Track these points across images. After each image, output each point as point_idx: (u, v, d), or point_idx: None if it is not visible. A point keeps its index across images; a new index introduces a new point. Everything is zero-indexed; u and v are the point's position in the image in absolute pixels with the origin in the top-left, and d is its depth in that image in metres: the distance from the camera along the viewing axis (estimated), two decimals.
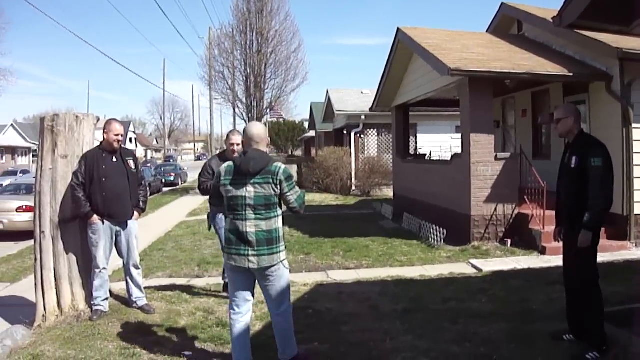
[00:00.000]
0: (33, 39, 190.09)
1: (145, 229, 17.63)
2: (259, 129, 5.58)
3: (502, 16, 18.89)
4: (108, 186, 7.55)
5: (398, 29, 17.44)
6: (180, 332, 6.99)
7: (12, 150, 69.10)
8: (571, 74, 13.28)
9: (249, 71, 34.79)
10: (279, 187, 5.31)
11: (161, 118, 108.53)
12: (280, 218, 5.47)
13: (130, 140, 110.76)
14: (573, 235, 5.89)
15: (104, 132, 7.73)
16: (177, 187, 42.88)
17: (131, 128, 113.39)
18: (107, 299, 7.75)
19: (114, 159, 7.75)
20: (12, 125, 78.84)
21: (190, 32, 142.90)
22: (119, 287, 8.72)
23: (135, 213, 8.02)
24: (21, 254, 13.98)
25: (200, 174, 8.33)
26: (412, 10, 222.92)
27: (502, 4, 18.65)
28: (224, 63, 35.90)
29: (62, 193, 7.60)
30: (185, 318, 7.66)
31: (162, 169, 47.05)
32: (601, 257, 11.09)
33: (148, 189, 8.88)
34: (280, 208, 5.47)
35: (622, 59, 12.28)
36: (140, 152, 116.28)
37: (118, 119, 8.15)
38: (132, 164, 8.00)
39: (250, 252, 5.30)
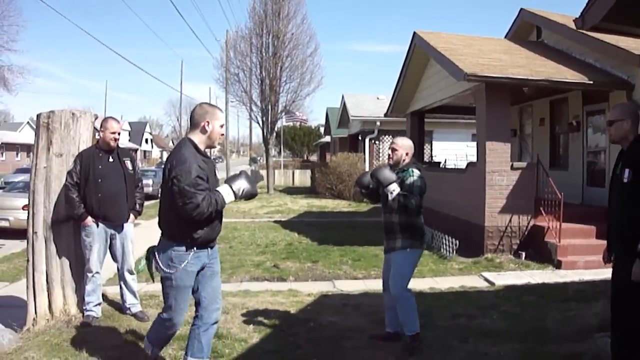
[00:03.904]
0: (53, 39, 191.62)
1: (153, 231, 17.33)
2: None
3: (520, 22, 18.54)
4: (104, 187, 7.25)
5: (414, 32, 17.11)
6: (172, 342, 6.62)
7: (28, 148, 68.89)
8: (591, 82, 12.94)
9: (264, 74, 34.62)
10: None
11: (178, 120, 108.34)
12: None
13: (147, 141, 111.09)
14: (626, 263, 4.80)
15: (100, 130, 7.43)
16: None
17: (147, 129, 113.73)
18: (99, 304, 7.45)
19: (111, 159, 7.44)
20: (28, 122, 78.68)
21: (208, 35, 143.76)
22: (115, 291, 8.35)
23: (132, 216, 7.71)
24: (24, 253, 13.70)
25: (194, 187, 4.77)
26: (428, 17, 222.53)
27: (522, 9, 18.30)
28: (240, 65, 35.80)
29: (57, 193, 7.31)
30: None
31: None
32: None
33: (145, 190, 8.56)
34: None
35: None
36: (156, 153, 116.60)
37: (115, 117, 7.85)
38: (129, 164, 7.67)
39: None
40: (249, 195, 5.16)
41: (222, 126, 5.16)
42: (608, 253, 5.35)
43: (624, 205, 4.95)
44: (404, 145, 6.76)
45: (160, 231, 5.11)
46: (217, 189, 4.97)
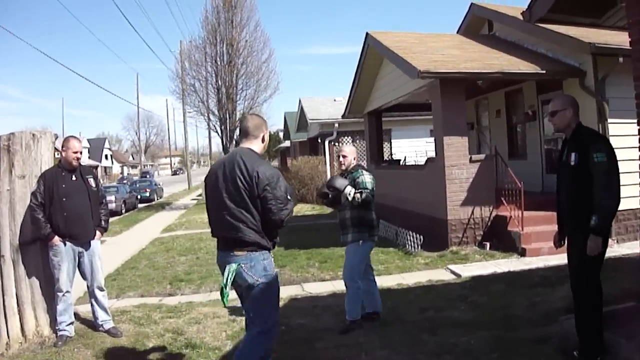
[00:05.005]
0: (3, 59, 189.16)
1: (119, 247, 17.38)
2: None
3: (472, 17, 18.80)
4: (69, 206, 7.23)
5: (367, 33, 17.27)
6: (147, 356, 6.69)
7: None
8: (544, 72, 13.23)
9: (220, 83, 34.47)
10: None
11: (136, 134, 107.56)
12: None
13: (106, 157, 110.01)
14: (580, 238, 5.29)
15: (62, 149, 7.43)
16: (153, 202, 42.68)
17: (107, 145, 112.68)
18: (72, 323, 7.41)
19: (74, 178, 7.43)
20: None
21: (162, 46, 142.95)
22: (87, 309, 8.35)
23: (98, 233, 7.68)
24: None
25: (287, 193, 5.01)
26: (382, 17, 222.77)
27: (472, 4, 18.57)
28: (195, 76, 35.58)
29: (22, 215, 7.25)
30: (153, 340, 7.36)
31: (137, 185, 46.94)
32: None
33: (109, 206, 8.58)
34: None
35: (595, 53, 12.25)
36: (116, 168, 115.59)
37: (77, 136, 7.86)
38: (92, 182, 7.66)
39: None
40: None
41: None
42: (560, 236, 5.89)
43: (573, 186, 5.39)
44: (352, 152, 7.92)
45: (234, 246, 4.85)
46: None
